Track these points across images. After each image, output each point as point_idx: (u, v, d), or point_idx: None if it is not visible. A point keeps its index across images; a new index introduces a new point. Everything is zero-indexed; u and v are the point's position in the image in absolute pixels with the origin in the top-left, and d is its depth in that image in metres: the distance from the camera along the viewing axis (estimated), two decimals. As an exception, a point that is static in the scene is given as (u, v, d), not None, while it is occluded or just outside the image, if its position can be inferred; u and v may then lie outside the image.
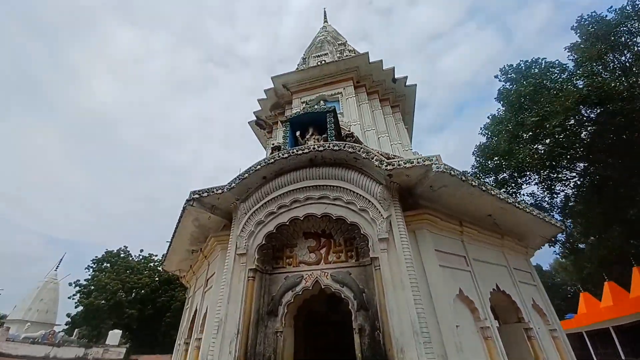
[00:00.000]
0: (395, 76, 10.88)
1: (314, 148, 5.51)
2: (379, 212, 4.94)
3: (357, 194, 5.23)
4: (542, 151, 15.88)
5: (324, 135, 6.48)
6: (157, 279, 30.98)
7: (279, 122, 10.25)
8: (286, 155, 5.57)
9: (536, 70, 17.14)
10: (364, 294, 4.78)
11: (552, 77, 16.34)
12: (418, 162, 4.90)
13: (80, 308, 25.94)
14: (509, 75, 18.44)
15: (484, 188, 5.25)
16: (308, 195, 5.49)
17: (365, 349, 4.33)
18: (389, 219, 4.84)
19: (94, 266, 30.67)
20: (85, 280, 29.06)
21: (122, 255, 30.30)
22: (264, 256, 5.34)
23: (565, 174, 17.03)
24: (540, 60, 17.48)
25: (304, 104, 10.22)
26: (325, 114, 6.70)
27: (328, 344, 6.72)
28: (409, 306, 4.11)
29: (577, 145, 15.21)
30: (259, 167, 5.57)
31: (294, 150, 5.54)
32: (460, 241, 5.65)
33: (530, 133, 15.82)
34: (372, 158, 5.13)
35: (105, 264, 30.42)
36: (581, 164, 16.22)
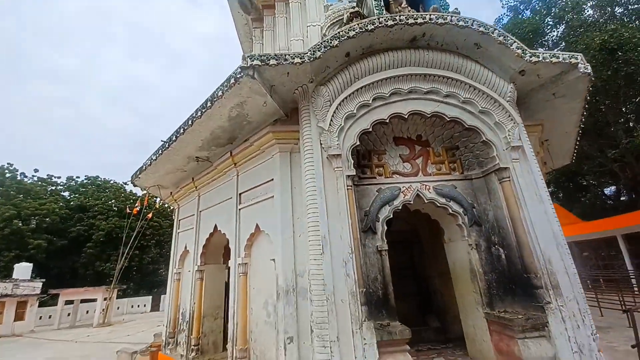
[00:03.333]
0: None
1: (421, 19, 3.88)
2: (509, 116, 4.04)
3: (479, 91, 4.12)
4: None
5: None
6: (65, 205, 25.28)
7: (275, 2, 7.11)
8: (370, 26, 3.81)
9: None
10: (474, 209, 4.16)
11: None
12: (564, 59, 3.98)
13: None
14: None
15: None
16: (413, 86, 4.09)
17: (485, 264, 3.90)
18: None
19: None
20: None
21: (7, 174, 22.67)
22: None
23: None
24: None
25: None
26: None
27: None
28: (550, 220, 3.68)
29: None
30: (336, 41, 3.70)
31: (385, 19, 3.81)
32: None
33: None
34: (511, 44, 3.94)
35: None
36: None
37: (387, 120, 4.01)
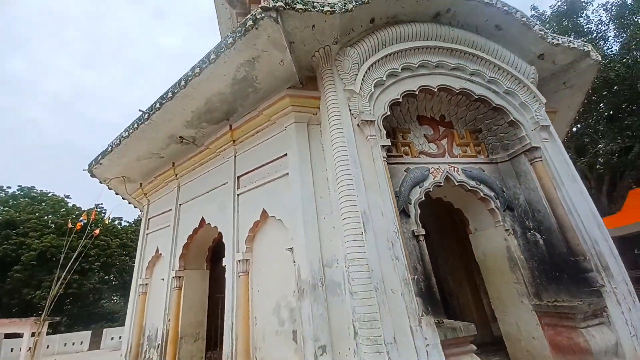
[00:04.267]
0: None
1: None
2: (534, 96, 3.93)
3: (503, 71, 4.00)
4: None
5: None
6: (-15, 221, 20.97)
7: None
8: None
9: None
10: (504, 193, 3.87)
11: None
12: (579, 46, 4.06)
13: None
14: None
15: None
16: (440, 60, 3.83)
17: (524, 251, 3.54)
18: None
19: None
20: None
21: None
22: (380, 136, 3.49)
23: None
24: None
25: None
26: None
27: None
28: (587, 200, 3.50)
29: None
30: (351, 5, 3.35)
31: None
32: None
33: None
34: (533, 26, 3.93)
35: None
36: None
37: (417, 92, 3.64)
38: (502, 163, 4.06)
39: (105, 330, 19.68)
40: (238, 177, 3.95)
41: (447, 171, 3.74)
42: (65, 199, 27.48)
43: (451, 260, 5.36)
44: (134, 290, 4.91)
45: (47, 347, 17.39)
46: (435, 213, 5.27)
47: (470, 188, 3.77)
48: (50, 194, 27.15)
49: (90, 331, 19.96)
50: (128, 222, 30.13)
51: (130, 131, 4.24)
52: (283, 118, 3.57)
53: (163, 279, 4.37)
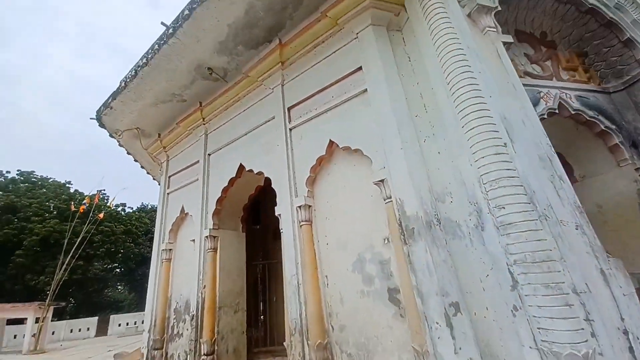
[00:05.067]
0: None
1: None
2: (663, 4, 3.07)
3: (624, -27, 3.12)
4: None
5: None
6: (-15, 206, 20.30)
7: None
8: None
9: None
10: (626, 127, 3.06)
11: None
12: None
13: None
14: None
15: None
16: (551, -47, 2.95)
17: (666, 195, 2.75)
18: (679, 16, 3.07)
19: None
20: None
21: None
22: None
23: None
24: None
25: None
26: None
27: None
28: None
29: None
30: None
31: None
32: None
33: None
34: None
35: None
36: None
37: (527, -10, 2.78)
38: (616, 93, 3.24)
39: (112, 316, 19.21)
40: (288, 109, 3.13)
41: (559, 97, 2.92)
42: (67, 185, 26.76)
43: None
44: (156, 257, 4.16)
45: (53, 333, 16.96)
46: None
47: (588, 119, 2.96)
48: (51, 180, 26.43)
49: (97, 317, 19.53)
50: (132, 208, 29.46)
51: (149, 57, 3.40)
52: (354, 20, 2.71)
53: (193, 240, 3.61)
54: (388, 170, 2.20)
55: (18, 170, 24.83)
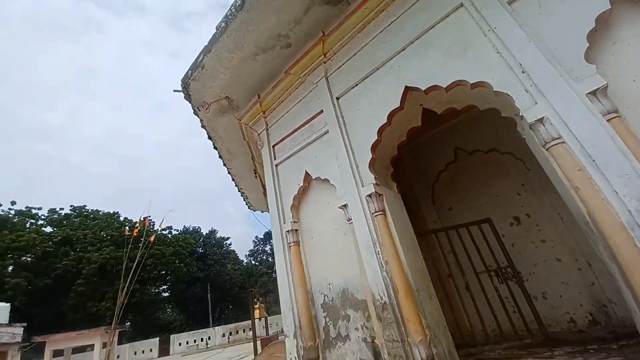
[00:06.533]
0: None
1: None
2: None
3: None
4: None
5: None
6: (48, 239, 21.29)
7: None
8: None
9: None
10: None
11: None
12: None
13: None
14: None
15: None
16: None
17: None
18: None
19: None
20: None
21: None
22: None
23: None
24: None
25: None
26: None
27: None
28: None
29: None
30: None
31: None
32: None
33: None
34: None
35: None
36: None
37: None
38: None
39: (172, 336, 18.98)
40: None
41: None
42: (116, 214, 27.83)
43: None
44: (280, 243, 3.21)
45: (118, 357, 16.95)
46: None
47: None
48: (101, 212, 27.60)
49: (158, 338, 19.36)
50: (177, 230, 30.07)
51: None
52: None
53: (346, 205, 2.62)
54: None
55: (71, 206, 26.17)
